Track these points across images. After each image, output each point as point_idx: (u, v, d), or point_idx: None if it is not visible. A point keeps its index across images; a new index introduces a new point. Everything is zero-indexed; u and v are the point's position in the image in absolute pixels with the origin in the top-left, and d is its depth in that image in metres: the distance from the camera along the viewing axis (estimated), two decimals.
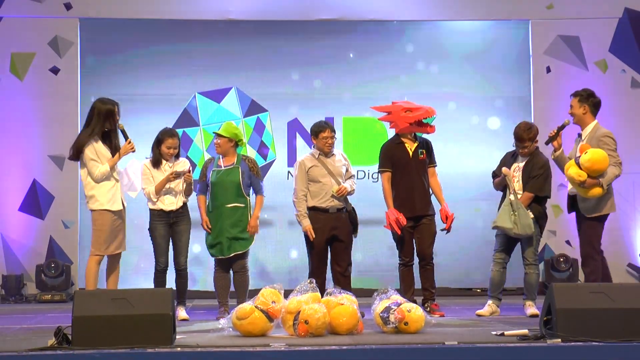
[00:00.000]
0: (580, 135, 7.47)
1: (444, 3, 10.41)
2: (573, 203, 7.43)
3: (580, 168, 7.12)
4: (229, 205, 7.58)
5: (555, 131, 7.42)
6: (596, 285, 6.08)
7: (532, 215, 7.53)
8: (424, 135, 7.96)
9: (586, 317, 5.61)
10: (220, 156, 7.70)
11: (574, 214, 7.52)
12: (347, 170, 7.86)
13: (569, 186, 7.41)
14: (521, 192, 7.59)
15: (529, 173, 7.59)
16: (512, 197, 7.54)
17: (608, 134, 7.31)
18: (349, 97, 10.36)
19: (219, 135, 7.68)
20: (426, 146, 7.86)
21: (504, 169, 7.63)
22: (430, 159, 7.88)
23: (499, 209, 7.71)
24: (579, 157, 7.16)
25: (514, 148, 7.82)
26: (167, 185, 7.60)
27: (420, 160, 7.78)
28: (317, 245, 7.64)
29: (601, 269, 7.27)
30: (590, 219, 7.27)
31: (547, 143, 7.50)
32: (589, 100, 7.40)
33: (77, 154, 7.22)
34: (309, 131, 7.91)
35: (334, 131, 7.79)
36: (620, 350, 5.38)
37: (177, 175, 7.57)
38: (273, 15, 10.24)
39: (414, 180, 7.73)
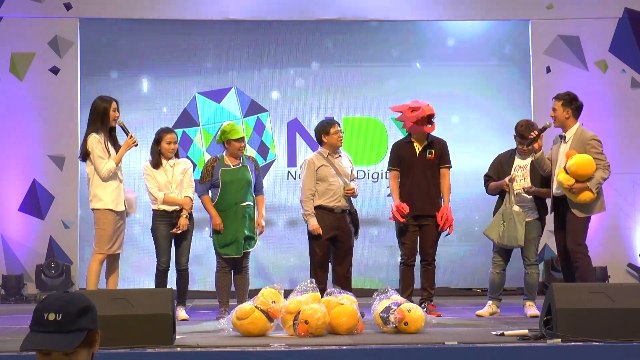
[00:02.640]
0: (562, 137, 7.46)
1: (444, 3, 10.41)
2: (557, 204, 7.43)
3: (568, 173, 7.17)
4: (244, 204, 7.55)
5: (537, 133, 7.43)
6: (596, 285, 6.09)
7: (533, 217, 7.55)
8: (440, 135, 7.90)
9: (586, 317, 5.60)
10: (225, 155, 7.67)
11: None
12: (351, 172, 7.84)
13: (554, 188, 7.42)
14: (526, 193, 7.58)
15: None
16: (507, 206, 7.52)
17: (594, 137, 7.34)
18: (348, 97, 10.36)
19: (243, 139, 7.66)
20: (439, 147, 7.81)
21: (506, 180, 7.57)
22: (442, 160, 7.80)
23: (494, 213, 7.72)
24: (566, 162, 7.20)
25: (508, 149, 7.82)
26: (171, 184, 7.61)
27: (428, 160, 7.74)
28: (321, 245, 7.62)
29: (591, 264, 7.34)
30: (581, 218, 7.29)
31: (528, 145, 7.50)
32: (572, 104, 7.40)
33: (84, 154, 7.20)
34: (315, 132, 7.84)
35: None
36: (620, 350, 5.38)
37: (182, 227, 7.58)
38: (273, 15, 10.24)
39: (418, 179, 7.70)
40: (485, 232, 7.65)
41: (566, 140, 7.40)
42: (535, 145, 7.44)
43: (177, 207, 7.60)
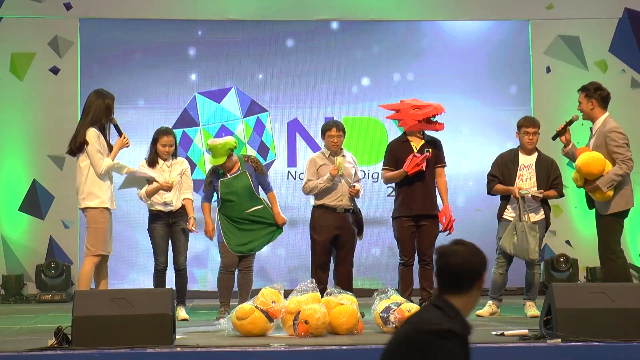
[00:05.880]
0: (591, 131, 7.22)
1: (444, 3, 10.41)
2: (590, 200, 7.17)
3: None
4: (249, 211, 7.54)
5: (563, 126, 7.25)
6: (596, 285, 6.09)
7: (539, 218, 7.51)
8: (434, 135, 7.89)
9: (586, 317, 5.61)
10: None
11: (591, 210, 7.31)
12: (355, 173, 7.82)
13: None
14: (536, 189, 7.51)
15: (548, 172, 7.54)
16: (518, 219, 7.45)
17: (614, 129, 6.99)
18: (349, 97, 10.36)
19: (223, 164, 7.49)
20: (434, 145, 7.75)
21: (516, 191, 7.47)
22: (439, 159, 7.74)
23: (498, 218, 7.70)
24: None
25: (508, 149, 7.81)
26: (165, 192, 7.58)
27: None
28: (321, 244, 7.59)
29: (622, 269, 7.00)
30: (605, 217, 7.03)
31: (554, 138, 7.35)
32: (596, 94, 7.09)
33: (79, 146, 6.92)
34: (320, 130, 7.81)
35: (342, 130, 7.67)
36: (620, 350, 5.39)
37: (168, 189, 7.55)
38: (273, 15, 10.24)
39: (417, 178, 7.65)
40: (501, 244, 7.54)
41: (593, 133, 7.15)
42: (563, 139, 7.27)
43: (172, 208, 7.58)
